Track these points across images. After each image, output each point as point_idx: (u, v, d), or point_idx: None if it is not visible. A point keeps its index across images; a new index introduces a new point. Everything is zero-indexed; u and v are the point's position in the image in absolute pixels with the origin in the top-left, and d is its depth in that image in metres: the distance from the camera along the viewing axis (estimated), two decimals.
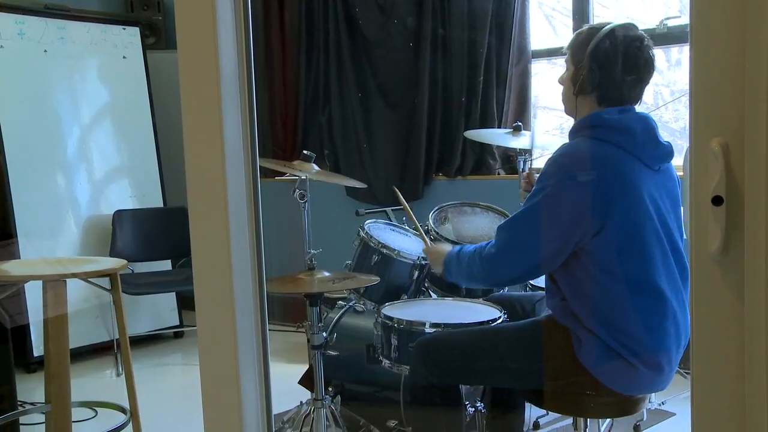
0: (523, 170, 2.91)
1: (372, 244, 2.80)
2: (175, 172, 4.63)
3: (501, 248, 2.05)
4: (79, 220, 4.38)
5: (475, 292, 2.82)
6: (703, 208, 0.96)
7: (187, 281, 4.27)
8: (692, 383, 1.00)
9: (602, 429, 2.45)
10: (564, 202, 1.95)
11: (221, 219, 1.28)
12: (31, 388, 3.43)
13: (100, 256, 4.17)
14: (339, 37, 4.47)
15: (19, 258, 3.99)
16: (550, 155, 2.03)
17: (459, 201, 3.15)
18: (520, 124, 3.15)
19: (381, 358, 2.49)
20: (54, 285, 2.49)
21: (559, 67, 2.73)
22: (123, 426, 2.77)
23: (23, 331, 3.93)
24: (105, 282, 2.69)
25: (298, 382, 2.83)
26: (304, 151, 2.69)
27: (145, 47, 4.75)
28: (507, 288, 2.84)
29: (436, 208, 3.06)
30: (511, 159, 4.08)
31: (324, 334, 2.53)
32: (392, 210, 3.31)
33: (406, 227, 3.06)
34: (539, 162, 3.92)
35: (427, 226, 2.96)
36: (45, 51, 4.31)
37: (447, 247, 2.30)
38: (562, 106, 2.16)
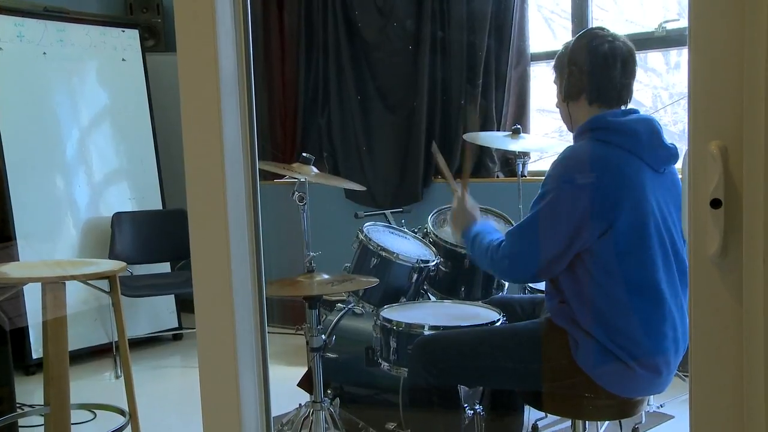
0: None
1: (371, 247, 2.80)
2: (174, 174, 4.63)
3: (511, 255, 2.05)
4: (78, 222, 4.38)
5: (474, 294, 2.82)
6: (702, 211, 0.96)
7: (185, 284, 4.27)
8: (690, 386, 1.00)
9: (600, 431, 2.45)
10: (570, 205, 1.95)
11: (221, 221, 1.28)
12: (30, 391, 3.43)
13: (99, 258, 4.17)
14: (338, 40, 4.47)
15: (18, 260, 3.99)
16: (555, 158, 2.04)
17: None
18: (519, 126, 3.16)
19: (380, 360, 2.49)
20: (53, 287, 2.49)
21: None
22: (122, 428, 2.76)
23: (22, 333, 3.93)
24: (104, 284, 2.69)
25: (297, 385, 2.83)
26: (303, 154, 2.70)
27: (144, 50, 4.75)
28: (506, 290, 2.84)
29: (435, 210, 3.06)
30: (509, 162, 4.08)
31: (323, 336, 2.53)
32: (391, 213, 3.31)
33: (405, 230, 3.07)
34: (537, 165, 3.93)
35: (426, 228, 2.96)
36: (44, 53, 4.32)
37: (471, 218, 2.29)
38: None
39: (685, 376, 2.67)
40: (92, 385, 3.85)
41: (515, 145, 3.12)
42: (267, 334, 1.36)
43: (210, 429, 1.36)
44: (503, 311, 2.42)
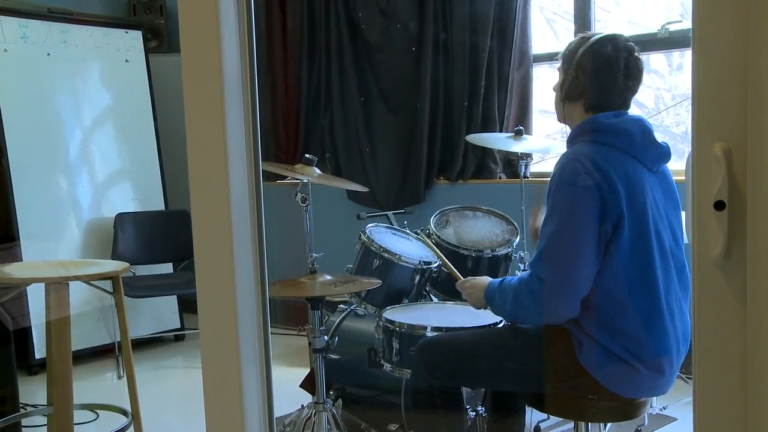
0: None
1: (373, 249, 2.81)
2: (177, 175, 4.64)
3: (549, 282, 1.93)
4: (81, 222, 4.39)
5: None
6: (706, 213, 0.96)
7: (188, 284, 4.27)
8: (694, 388, 1.00)
9: None
10: (586, 210, 1.92)
11: (224, 222, 1.29)
12: (32, 391, 3.43)
13: (102, 258, 4.18)
14: (341, 41, 4.48)
15: (22, 260, 3.99)
16: (556, 165, 2.02)
17: (460, 205, 3.15)
18: (521, 128, 3.16)
19: (382, 361, 2.49)
20: (57, 287, 2.49)
21: None
22: (124, 428, 2.76)
23: (25, 333, 3.93)
24: (107, 285, 2.69)
25: (300, 386, 2.83)
26: (306, 155, 2.70)
27: (148, 51, 4.76)
28: None
29: (438, 212, 3.06)
30: (512, 163, 4.08)
31: (325, 337, 2.53)
32: (393, 214, 3.31)
33: (407, 231, 3.07)
34: (539, 166, 3.93)
35: (429, 229, 2.96)
36: (48, 54, 4.32)
37: (484, 280, 2.19)
38: None
39: (687, 377, 2.67)
40: (95, 385, 3.86)
41: (518, 147, 3.12)
42: (270, 334, 1.36)
43: (213, 430, 1.36)
44: None
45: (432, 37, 4.18)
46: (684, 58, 3.61)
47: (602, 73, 2.03)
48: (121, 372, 3.97)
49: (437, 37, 4.18)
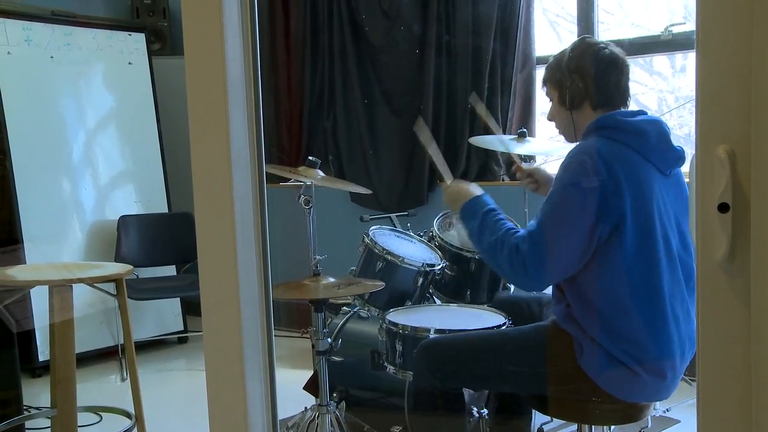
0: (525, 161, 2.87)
1: (376, 251, 2.81)
2: (180, 177, 4.65)
3: (533, 258, 1.93)
4: (84, 225, 4.40)
5: (480, 297, 2.82)
6: (709, 215, 0.95)
7: (191, 287, 4.28)
8: (698, 390, 0.99)
9: None
10: (584, 201, 1.92)
11: (228, 224, 1.29)
12: (36, 393, 3.44)
13: (105, 261, 4.18)
14: (344, 43, 4.48)
15: (25, 263, 4.00)
16: (563, 159, 2.02)
17: None
18: (524, 130, 3.16)
19: (385, 363, 2.49)
20: (60, 290, 2.50)
21: None
22: (128, 431, 2.77)
23: (29, 336, 3.93)
24: (110, 287, 2.70)
25: (303, 388, 2.83)
26: (309, 157, 2.70)
27: (151, 53, 4.77)
28: (513, 290, 2.84)
29: (441, 214, 3.06)
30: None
31: (329, 339, 2.54)
32: (396, 216, 3.31)
33: (411, 233, 3.07)
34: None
35: (432, 232, 2.96)
36: (51, 57, 4.33)
37: (472, 190, 2.15)
38: None
39: (691, 380, 2.66)
40: (98, 387, 3.86)
41: (521, 149, 3.12)
42: (273, 337, 1.36)
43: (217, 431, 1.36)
44: (510, 311, 2.41)
45: (435, 39, 4.18)
46: (687, 60, 3.61)
47: (593, 68, 2.06)
48: (125, 374, 3.98)
49: (440, 39, 4.18)
